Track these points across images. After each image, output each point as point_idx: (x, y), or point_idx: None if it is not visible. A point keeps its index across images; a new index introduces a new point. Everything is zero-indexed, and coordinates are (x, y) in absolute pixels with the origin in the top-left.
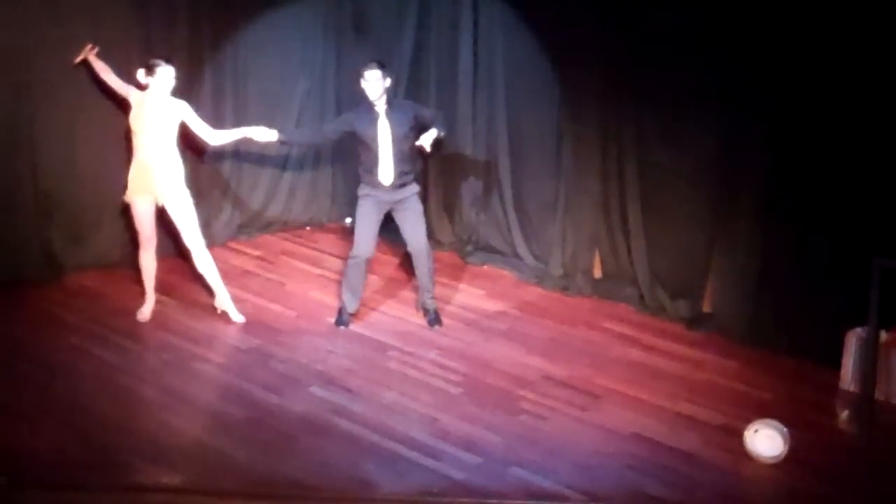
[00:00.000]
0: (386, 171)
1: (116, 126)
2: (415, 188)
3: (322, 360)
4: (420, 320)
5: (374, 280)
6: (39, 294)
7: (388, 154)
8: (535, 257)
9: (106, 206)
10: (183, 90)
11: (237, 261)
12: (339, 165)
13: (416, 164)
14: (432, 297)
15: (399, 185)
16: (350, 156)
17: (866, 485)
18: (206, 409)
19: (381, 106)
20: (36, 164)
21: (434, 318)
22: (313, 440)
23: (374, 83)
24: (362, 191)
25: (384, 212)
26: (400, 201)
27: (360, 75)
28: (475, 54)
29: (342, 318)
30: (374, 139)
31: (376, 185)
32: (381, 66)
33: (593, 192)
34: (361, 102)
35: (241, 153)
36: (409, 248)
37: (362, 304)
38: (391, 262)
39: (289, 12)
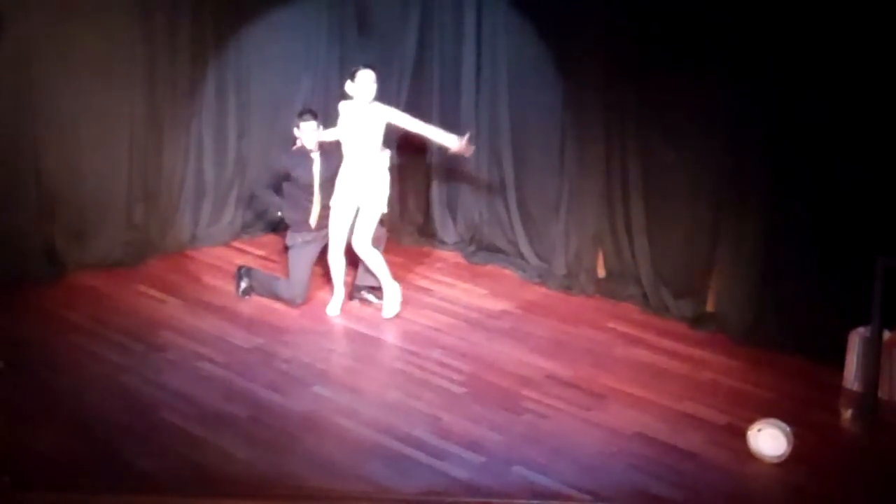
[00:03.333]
0: (315, 213)
1: (119, 126)
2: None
3: (325, 359)
4: (424, 320)
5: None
6: (42, 293)
7: (318, 197)
8: (539, 257)
9: (109, 206)
10: (186, 91)
11: (241, 260)
12: None
13: None
14: (373, 288)
15: (324, 218)
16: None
17: (869, 484)
18: (208, 408)
19: (315, 154)
20: (39, 164)
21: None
22: (316, 440)
23: (311, 133)
24: (303, 238)
25: (320, 250)
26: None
27: (294, 124)
28: (478, 54)
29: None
30: (312, 185)
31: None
32: (315, 116)
33: (597, 192)
34: (291, 146)
35: (244, 154)
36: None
37: (364, 304)
38: (393, 262)
39: (292, 11)
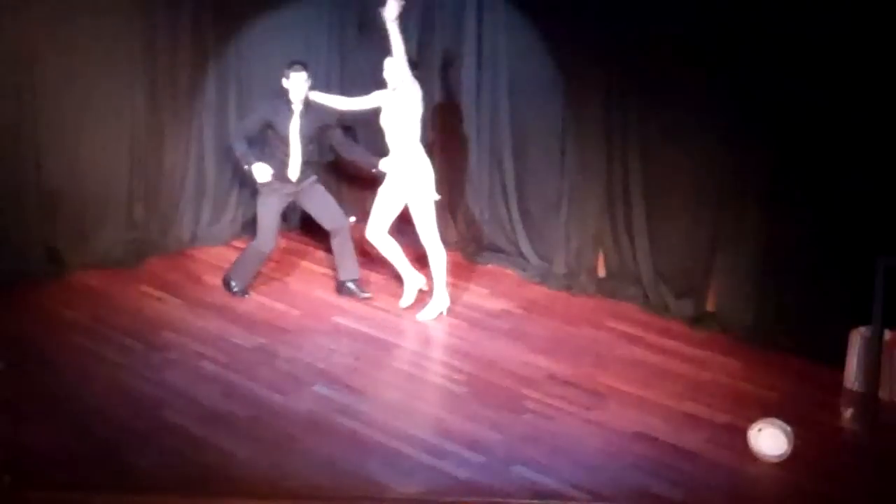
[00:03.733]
0: (294, 167)
1: (120, 125)
2: (313, 177)
3: (326, 358)
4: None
5: (378, 279)
6: (43, 293)
7: (298, 151)
8: (539, 256)
9: (109, 205)
10: (187, 90)
11: None
12: (343, 166)
13: (317, 164)
14: (354, 281)
15: (302, 179)
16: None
17: (870, 484)
18: (209, 408)
19: (298, 105)
20: (40, 164)
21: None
22: (317, 439)
23: (300, 85)
24: (270, 186)
25: (285, 204)
26: (301, 190)
27: (284, 74)
28: (479, 53)
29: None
30: (288, 135)
31: (285, 179)
32: (306, 68)
33: (597, 191)
34: (279, 96)
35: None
36: (329, 227)
37: (366, 303)
38: None
39: (292, 11)
